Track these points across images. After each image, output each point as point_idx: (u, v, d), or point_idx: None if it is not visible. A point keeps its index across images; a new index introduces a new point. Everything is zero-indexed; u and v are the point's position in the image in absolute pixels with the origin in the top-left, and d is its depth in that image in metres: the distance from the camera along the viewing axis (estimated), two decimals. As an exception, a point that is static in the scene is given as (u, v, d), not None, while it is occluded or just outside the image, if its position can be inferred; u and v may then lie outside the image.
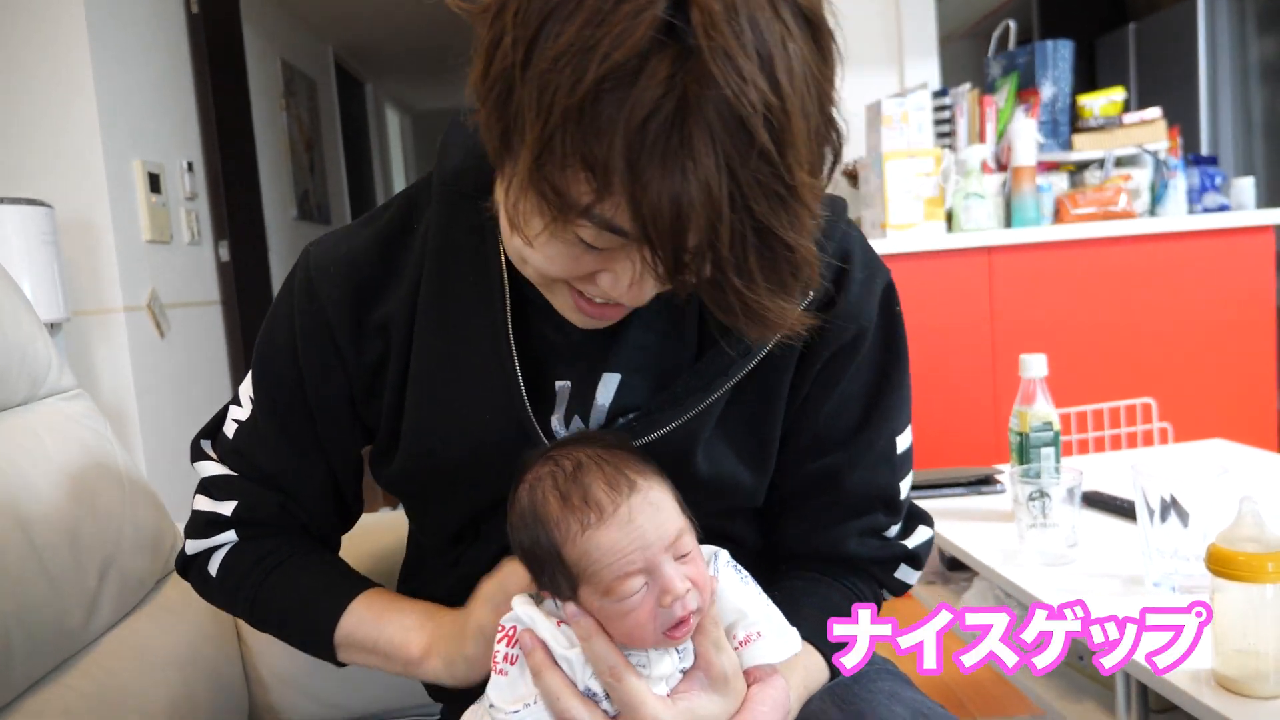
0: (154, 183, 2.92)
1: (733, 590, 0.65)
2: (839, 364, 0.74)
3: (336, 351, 0.74)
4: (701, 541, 0.76)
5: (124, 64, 2.82)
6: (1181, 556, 0.99)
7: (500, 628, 0.64)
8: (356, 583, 0.80)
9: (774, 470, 0.77)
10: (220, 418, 0.82)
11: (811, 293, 0.66)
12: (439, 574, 0.82)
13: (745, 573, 0.67)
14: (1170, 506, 1.01)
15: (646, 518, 0.58)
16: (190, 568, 0.83)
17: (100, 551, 0.87)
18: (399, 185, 7.54)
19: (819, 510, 0.78)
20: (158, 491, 1.05)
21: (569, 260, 0.57)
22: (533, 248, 0.57)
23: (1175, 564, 1.00)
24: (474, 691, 0.71)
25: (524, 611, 0.63)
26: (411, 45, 5.86)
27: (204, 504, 0.80)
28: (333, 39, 5.48)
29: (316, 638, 0.78)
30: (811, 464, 0.77)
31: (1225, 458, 1.53)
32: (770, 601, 0.67)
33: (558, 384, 0.71)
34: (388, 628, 0.76)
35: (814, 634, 0.73)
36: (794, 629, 0.67)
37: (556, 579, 0.61)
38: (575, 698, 0.61)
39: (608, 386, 0.70)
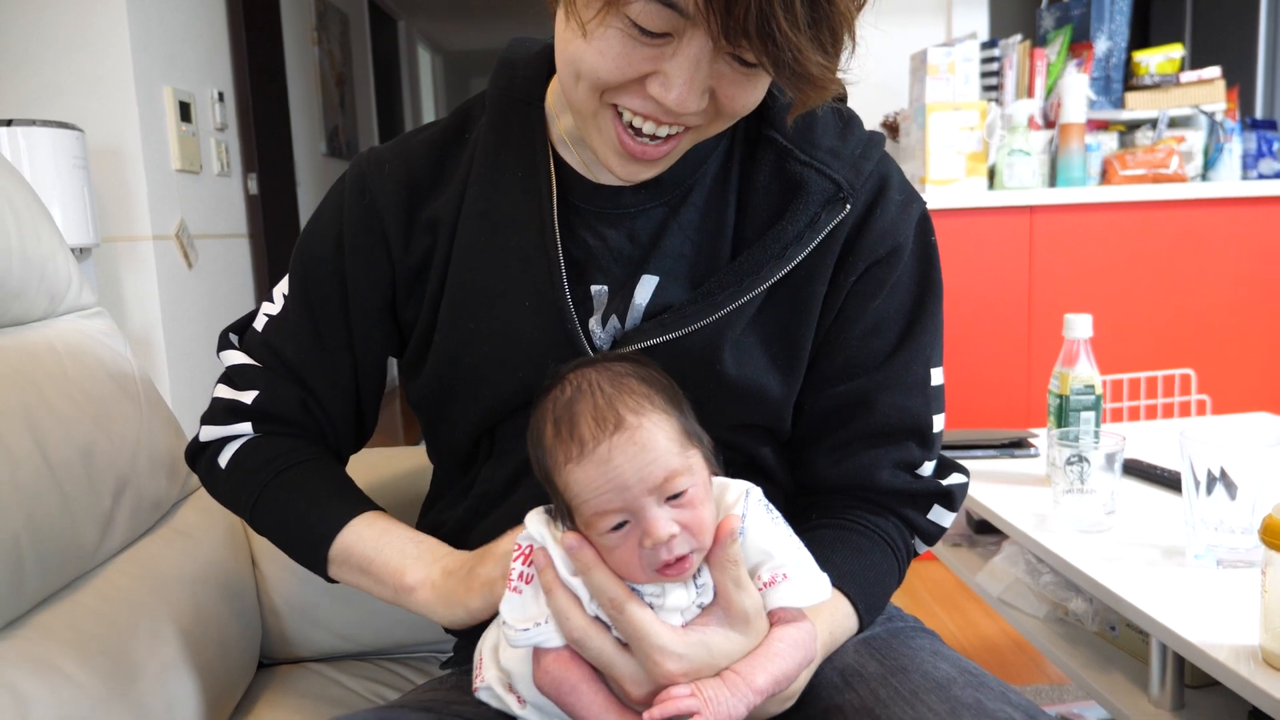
0: (184, 111, 2.89)
1: (761, 530, 0.62)
2: (874, 279, 0.74)
3: (385, 245, 0.76)
4: (728, 470, 0.75)
5: (156, -12, 2.77)
6: (1227, 529, 0.96)
7: (517, 546, 0.62)
8: (364, 501, 0.79)
9: (805, 393, 0.77)
10: (251, 315, 0.83)
11: (849, 206, 0.71)
12: (455, 499, 0.82)
13: (777, 513, 0.64)
14: (1218, 478, 0.97)
15: (627, 458, 0.55)
16: (200, 457, 0.82)
17: (115, 471, 0.85)
18: (430, 126, 7.47)
19: (850, 437, 0.77)
20: (181, 420, 1.03)
21: (621, 56, 0.59)
22: (586, 39, 0.60)
23: (1220, 537, 0.96)
24: (484, 625, 0.70)
25: (536, 530, 0.61)
26: (446, -18, 5.76)
27: (225, 392, 0.81)
28: (367, -27, 5.39)
29: (313, 546, 0.77)
30: (843, 386, 0.76)
31: (1270, 433, 1.48)
32: (802, 545, 0.64)
33: (594, 288, 0.73)
34: (386, 550, 0.75)
35: (843, 580, 0.72)
36: (824, 576, 0.64)
37: (558, 503, 0.60)
38: (584, 617, 0.60)
39: (645, 288, 0.72)
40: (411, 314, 0.78)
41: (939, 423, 0.79)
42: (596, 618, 0.59)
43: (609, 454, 0.55)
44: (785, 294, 0.73)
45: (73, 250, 2.38)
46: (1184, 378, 1.97)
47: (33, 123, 2.25)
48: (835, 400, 0.76)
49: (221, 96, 3.17)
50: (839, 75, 0.60)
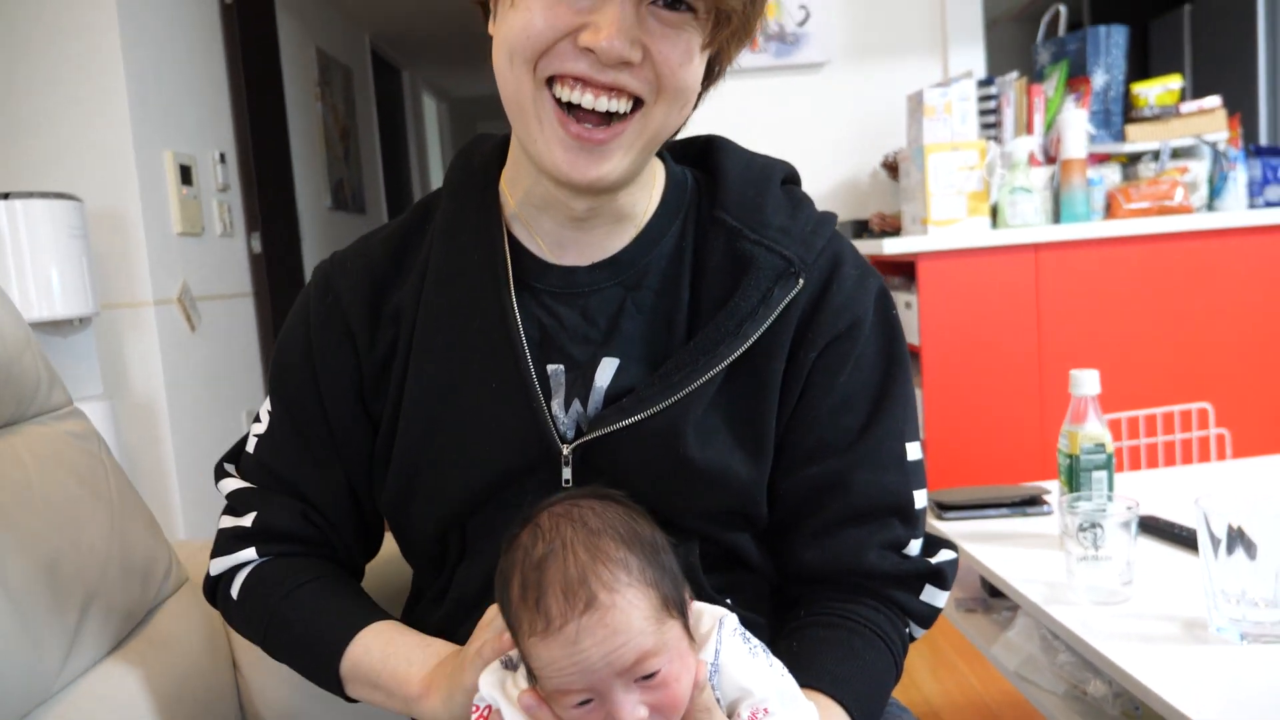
0: (185, 174, 2.91)
1: (737, 663, 0.58)
2: (837, 354, 0.74)
3: (350, 341, 0.76)
4: (707, 559, 0.71)
5: (156, 54, 2.80)
6: (1249, 601, 0.91)
7: (475, 708, 0.60)
8: (373, 612, 0.77)
9: (780, 476, 0.75)
10: (243, 440, 0.83)
11: (802, 281, 0.72)
12: (434, 601, 0.80)
13: (755, 642, 0.61)
14: (1236, 540, 0.92)
15: (595, 642, 0.52)
16: (216, 591, 0.82)
17: (83, 584, 0.82)
18: (435, 171, 7.53)
19: (830, 519, 0.74)
20: (183, 490, 1.00)
21: (548, 10, 0.63)
22: (515, 6, 0.64)
23: (1242, 610, 0.91)
24: None
25: (489, 694, 0.59)
26: (449, 31, 5.82)
27: (227, 521, 0.80)
28: (369, 26, 5.44)
29: (324, 667, 0.75)
30: (817, 467, 0.74)
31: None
32: (784, 671, 0.61)
33: (550, 368, 0.73)
34: (392, 659, 0.72)
35: (837, 685, 0.69)
36: (810, 704, 0.61)
37: (523, 658, 0.57)
38: None
39: (606, 370, 0.73)
40: (379, 407, 0.77)
41: (921, 499, 0.76)
42: None
43: (577, 635, 0.52)
44: (744, 373, 0.72)
45: (71, 320, 2.38)
46: (1201, 412, 1.92)
47: (30, 195, 2.26)
48: (811, 482, 0.74)
49: (223, 157, 3.18)
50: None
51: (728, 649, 0.58)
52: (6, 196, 2.23)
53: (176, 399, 2.78)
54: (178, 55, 2.95)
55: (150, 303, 2.72)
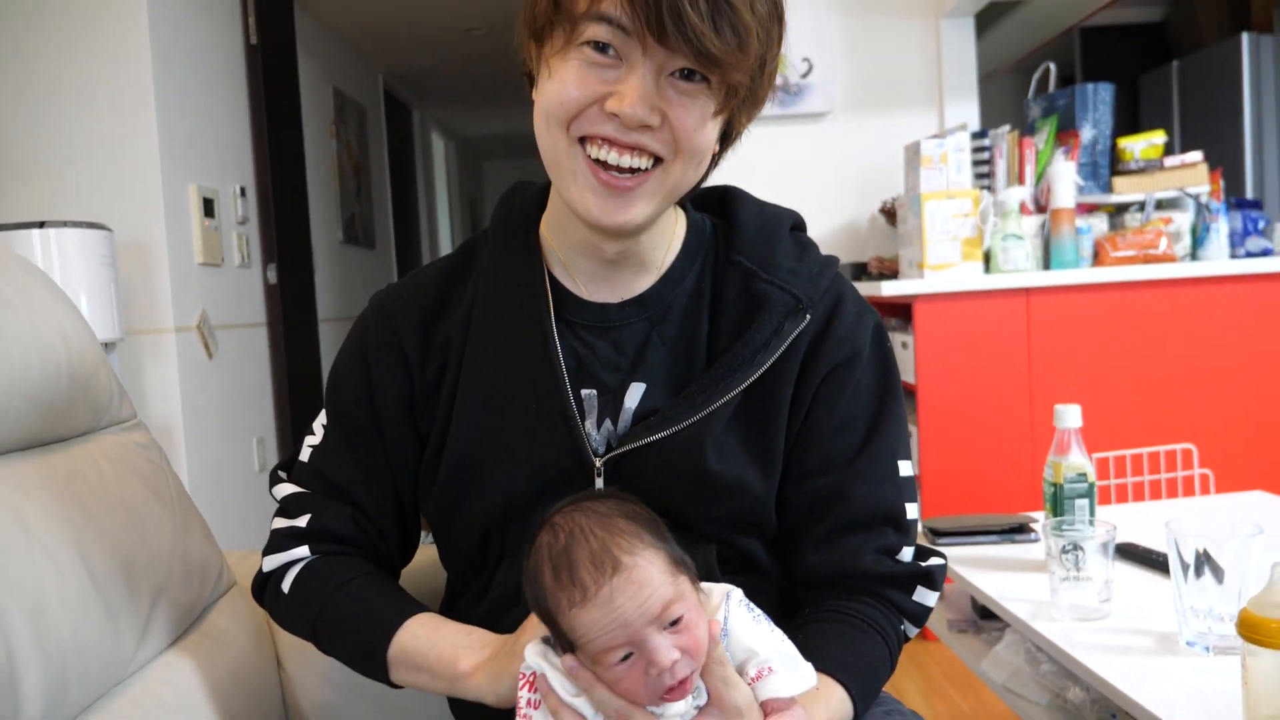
0: (208, 207, 3.01)
1: (744, 629, 0.68)
2: (837, 381, 0.83)
3: (404, 362, 0.85)
4: (722, 565, 0.80)
5: (184, 93, 2.91)
6: (1216, 616, 0.99)
7: (521, 675, 0.68)
8: (416, 605, 0.85)
9: (787, 488, 0.84)
10: (295, 452, 0.90)
11: (809, 316, 0.81)
12: (474, 600, 0.87)
13: (758, 611, 0.70)
14: (1204, 562, 1.00)
15: (628, 597, 0.61)
16: (266, 587, 0.89)
17: (152, 580, 0.90)
18: (443, 208, 7.67)
19: (831, 528, 0.83)
20: (199, 506, 1.08)
21: (580, 80, 0.72)
22: (552, 78, 0.73)
23: (1209, 624, 0.99)
24: (498, 715, 0.76)
25: (535, 662, 0.67)
26: (458, 73, 5.98)
27: (280, 522, 0.88)
28: (383, 67, 5.60)
29: (373, 653, 0.82)
30: (819, 481, 0.83)
31: (1265, 512, 1.51)
32: (784, 638, 0.70)
33: (584, 392, 0.82)
34: (439, 644, 0.80)
35: (837, 669, 0.77)
36: (808, 664, 0.70)
37: (559, 637, 0.65)
38: None
39: (634, 394, 0.82)
40: (428, 425, 0.85)
41: (912, 510, 0.85)
42: None
43: (611, 596, 0.61)
44: (758, 397, 0.81)
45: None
46: (1185, 452, 2.00)
47: (64, 224, 2.35)
48: (814, 494, 0.83)
49: (243, 191, 3.29)
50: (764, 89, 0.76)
51: (735, 616, 0.67)
52: (41, 225, 2.33)
53: (192, 423, 2.86)
54: (204, 92, 3.06)
55: (171, 329, 2.81)
